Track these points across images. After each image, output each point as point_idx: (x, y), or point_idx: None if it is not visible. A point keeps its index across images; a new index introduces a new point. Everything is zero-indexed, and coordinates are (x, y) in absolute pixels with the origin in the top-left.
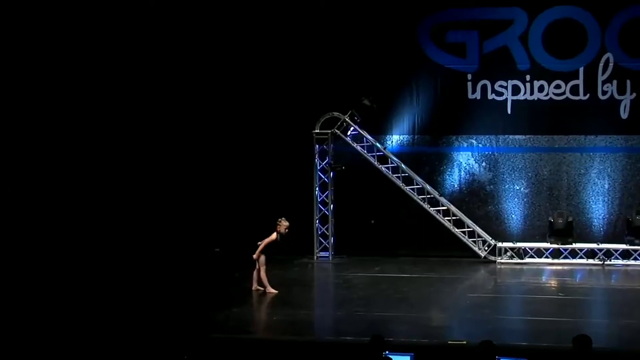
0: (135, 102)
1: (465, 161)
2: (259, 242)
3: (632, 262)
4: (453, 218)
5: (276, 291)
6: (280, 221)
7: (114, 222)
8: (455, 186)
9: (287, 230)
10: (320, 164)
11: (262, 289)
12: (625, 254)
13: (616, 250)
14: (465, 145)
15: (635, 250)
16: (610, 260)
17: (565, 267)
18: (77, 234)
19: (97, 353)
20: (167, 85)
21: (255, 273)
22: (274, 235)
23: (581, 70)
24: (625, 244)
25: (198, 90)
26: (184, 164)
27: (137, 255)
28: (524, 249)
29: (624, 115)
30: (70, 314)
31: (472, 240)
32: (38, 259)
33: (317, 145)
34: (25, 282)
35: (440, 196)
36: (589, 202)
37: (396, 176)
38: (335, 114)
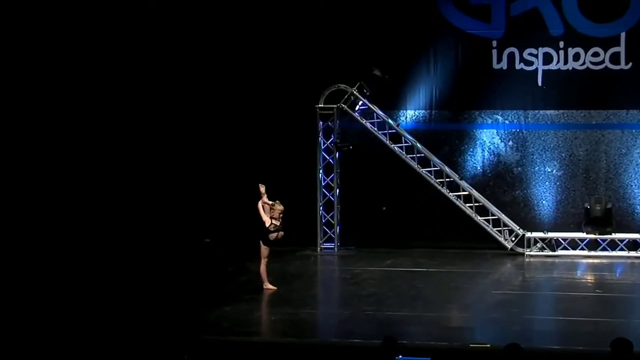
0: (122, 86)
1: (489, 140)
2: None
3: None
4: (475, 204)
5: (274, 287)
6: (273, 205)
7: (99, 213)
8: (478, 168)
9: (281, 215)
10: (324, 143)
11: (274, 287)
12: None
13: None
14: (489, 121)
15: None
16: None
17: (604, 261)
18: (64, 226)
19: (84, 353)
20: (157, 62)
21: (262, 267)
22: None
23: (622, 35)
24: None
25: (188, 64)
26: (171, 146)
27: (122, 248)
28: (557, 240)
29: None
30: (60, 311)
31: (497, 230)
32: (24, 254)
33: (320, 122)
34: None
35: (460, 180)
36: (631, 186)
37: (411, 157)
38: (342, 86)
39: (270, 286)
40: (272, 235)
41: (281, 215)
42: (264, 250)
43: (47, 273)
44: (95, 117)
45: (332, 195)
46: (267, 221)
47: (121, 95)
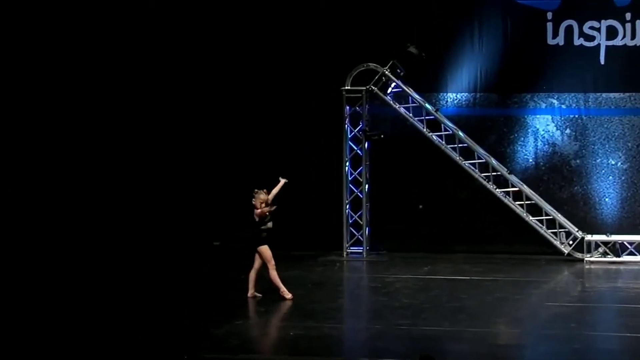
0: (128, 85)
1: (543, 127)
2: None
3: None
4: (527, 203)
5: (291, 295)
6: (255, 194)
7: (104, 215)
8: (530, 160)
9: (263, 206)
10: (351, 132)
11: (259, 295)
12: None
13: None
14: (543, 106)
15: None
16: None
17: None
18: (68, 228)
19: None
20: (163, 55)
21: (252, 273)
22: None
23: None
24: None
25: (196, 53)
26: (180, 143)
27: (128, 252)
28: (622, 244)
29: None
30: (59, 316)
31: (552, 232)
32: (23, 255)
33: (347, 107)
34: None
35: (509, 174)
36: None
37: (451, 147)
38: (372, 65)
39: (288, 293)
40: (258, 212)
41: (264, 206)
42: (264, 252)
43: (48, 277)
44: (103, 116)
45: (361, 192)
46: (257, 217)
47: (130, 93)
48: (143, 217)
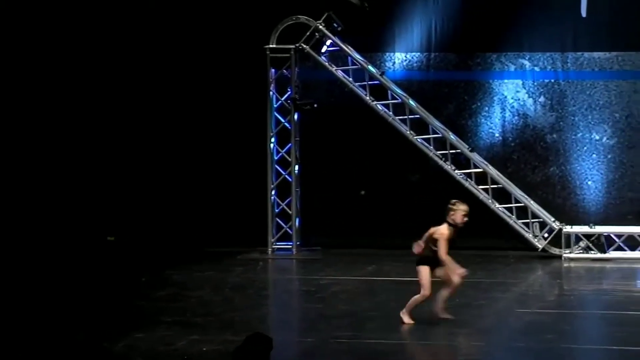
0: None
1: (512, 95)
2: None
3: None
4: (492, 187)
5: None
6: (453, 205)
7: None
8: (497, 135)
9: (465, 218)
10: (277, 100)
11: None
12: None
13: None
14: (512, 68)
15: None
16: None
17: None
18: None
19: None
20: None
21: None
22: (445, 230)
23: None
24: None
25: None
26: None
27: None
28: (607, 237)
29: None
30: None
31: (524, 223)
32: None
33: (272, 70)
34: None
35: (471, 151)
36: None
37: (400, 119)
38: (302, 18)
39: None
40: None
41: (465, 219)
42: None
43: None
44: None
45: (289, 174)
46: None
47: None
48: (31, 210)
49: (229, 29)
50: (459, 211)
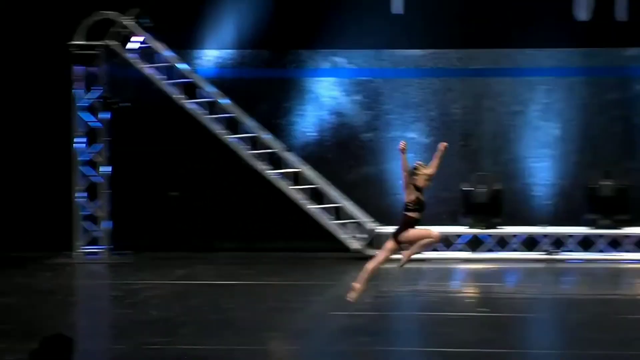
0: None
1: (327, 93)
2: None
3: (594, 255)
4: (307, 187)
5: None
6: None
7: None
8: (312, 134)
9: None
10: (86, 99)
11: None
12: (584, 243)
13: (570, 237)
14: (327, 65)
15: (600, 237)
16: (560, 253)
17: (490, 266)
18: None
19: None
20: None
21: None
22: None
23: None
24: (584, 225)
25: None
26: None
27: None
28: None
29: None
30: None
31: (339, 224)
32: None
33: (78, 67)
34: None
35: (286, 151)
36: (528, 158)
37: (213, 118)
38: (110, 13)
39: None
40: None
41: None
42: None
43: None
44: None
45: (98, 177)
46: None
47: None
48: None
49: (34, 24)
50: (422, 176)
